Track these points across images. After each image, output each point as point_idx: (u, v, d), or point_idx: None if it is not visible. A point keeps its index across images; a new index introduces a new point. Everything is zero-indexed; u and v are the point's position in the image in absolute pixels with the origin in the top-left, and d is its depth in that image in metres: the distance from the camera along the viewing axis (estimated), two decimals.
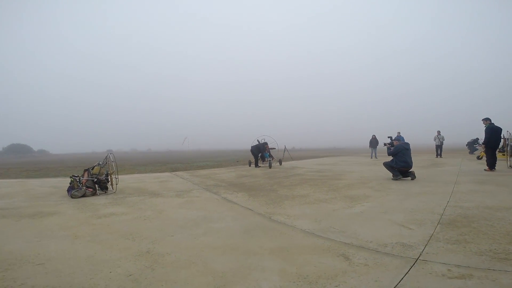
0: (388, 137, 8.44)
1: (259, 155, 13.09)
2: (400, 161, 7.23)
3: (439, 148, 16.54)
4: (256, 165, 12.93)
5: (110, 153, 7.28)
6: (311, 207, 4.48)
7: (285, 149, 19.22)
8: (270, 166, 12.29)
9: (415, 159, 15.38)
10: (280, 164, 13.78)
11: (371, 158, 17.72)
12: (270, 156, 13.28)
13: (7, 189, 7.32)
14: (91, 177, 6.64)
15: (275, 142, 15.47)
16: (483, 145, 9.95)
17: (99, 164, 7.00)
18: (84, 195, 6.21)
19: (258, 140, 13.90)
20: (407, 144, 7.48)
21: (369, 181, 7.03)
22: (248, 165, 13.84)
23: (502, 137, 9.24)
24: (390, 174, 7.61)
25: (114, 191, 6.84)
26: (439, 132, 16.80)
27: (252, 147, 13.41)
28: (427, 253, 2.53)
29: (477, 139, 19.08)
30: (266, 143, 13.77)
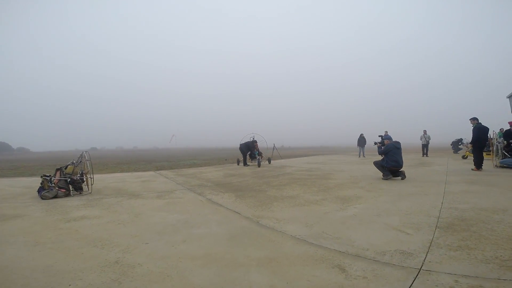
0: (379, 136, 8.33)
1: (248, 153, 12.84)
2: (391, 161, 7.10)
3: (425, 147, 16.78)
4: (245, 163, 12.62)
5: (85, 151, 6.77)
6: (302, 210, 4.20)
7: (274, 147, 19.00)
8: (259, 165, 12.02)
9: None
10: (269, 162, 13.50)
11: (359, 157, 17.75)
12: (259, 154, 12.92)
13: None
14: (64, 177, 6.13)
15: (264, 140, 15.37)
16: (470, 145, 10.05)
17: (72, 163, 6.48)
18: (56, 196, 5.72)
19: (251, 138, 13.72)
20: (398, 143, 7.36)
21: (359, 181, 6.86)
22: (236, 164, 13.54)
23: (488, 136, 9.32)
24: (379, 174, 7.49)
25: (89, 191, 6.36)
26: (425, 131, 17.04)
27: (241, 144, 13.11)
28: (429, 261, 2.30)
29: (461, 139, 19.53)
30: (255, 141, 13.43)
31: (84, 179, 6.46)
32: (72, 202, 5.21)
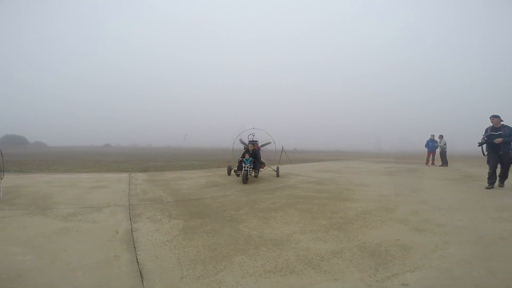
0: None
1: (240, 159, 7.58)
2: None
3: (443, 155, 13.48)
4: (236, 171, 7.57)
5: None
6: None
7: (282, 150, 16.63)
8: (256, 176, 7.40)
9: (414, 167, 12.83)
10: (277, 174, 8.50)
11: (429, 165, 13.77)
12: (258, 162, 7.82)
13: None
14: None
15: (271, 139, 9.27)
16: None
17: None
18: None
19: (250, 137, 8.84)
20: None
21: (396, 206, 4.39)
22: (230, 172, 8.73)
23: None
24: (424, 193, 4.96)
25: None
26: (441, 136, 13.78)
27: (234, 145, 9.21)
28: None
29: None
30: (255, 142, 8.58)
31: None
32: None
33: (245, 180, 6.85)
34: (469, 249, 2.58)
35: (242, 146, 8.91)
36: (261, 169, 8.03)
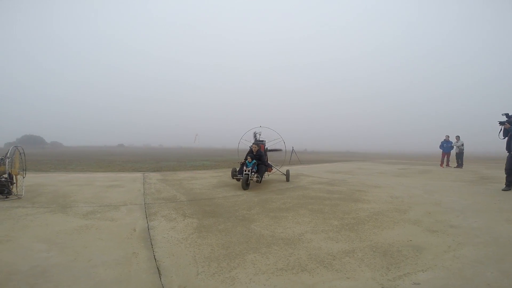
0: (503, 114, 5.94)
1: (241, 161, 6.77)
2: None
3: (459, 157, 13.08)
4: (237, 174, 6.52)
5: (17, 146, 5.07)
6: (296, 286, 1.94)
7: (292, 151, 16.58)
8: (259, 181, 6.37)
9: (428, 169, 12.52)
10: (287, 179, 7.60)
11: (444, 166, 13.39)
12: (264, 164, 6.87)
13: None
14: None
15: (279, 139, 8.03)
16: None
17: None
18: None
19: (257, 136, 7.89)
20: None
21: (409, 207, 4.35)
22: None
23: None
24: (436, 193, 4.89)
25: (19, 195, 4.70)
26: (458, 137, 13.34)
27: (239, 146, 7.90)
28: None
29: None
30: (261, 142, 7.62)
31: (13, 180, 4.79)
32: None
33: (245, 186, 5.99)
34: (482, 250, 2.55)
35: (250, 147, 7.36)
36: (267, 173, 7.29)
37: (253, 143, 7.22)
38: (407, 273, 2.11)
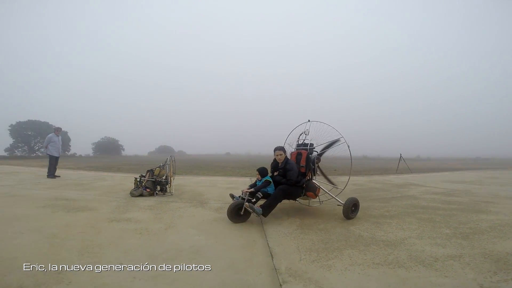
0: None
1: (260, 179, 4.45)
2: None
3: None
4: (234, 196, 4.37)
5: (171, 155, 7.00)
6: (390, 278, 2.13)
7: (400, 158, 14.89)
8: (259, 214, 3.76)
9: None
10: (347, 215, 4.08)
11: None
12: (288, 184, 4.10)
13: (106, 182, 8.29)
14: (150, 178, 6.49)
15: (338, 140, 4.58)
16: None
17: (160, 165, 6.82)
18: (141, 195, 6.07)
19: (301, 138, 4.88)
20: None
21: None
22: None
23: None
24: None
25: (171, 193, 6.49)
26: None
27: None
28: None
29: None
30: (304, 148, 4.67)
31: (169, 181, 6.69)
32: (147, 202, 5.30)
33: (232, 216, 3.89)
34: None
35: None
36: (309, 197, 4.43)
37: (295, 148, 4.83)
38: None
